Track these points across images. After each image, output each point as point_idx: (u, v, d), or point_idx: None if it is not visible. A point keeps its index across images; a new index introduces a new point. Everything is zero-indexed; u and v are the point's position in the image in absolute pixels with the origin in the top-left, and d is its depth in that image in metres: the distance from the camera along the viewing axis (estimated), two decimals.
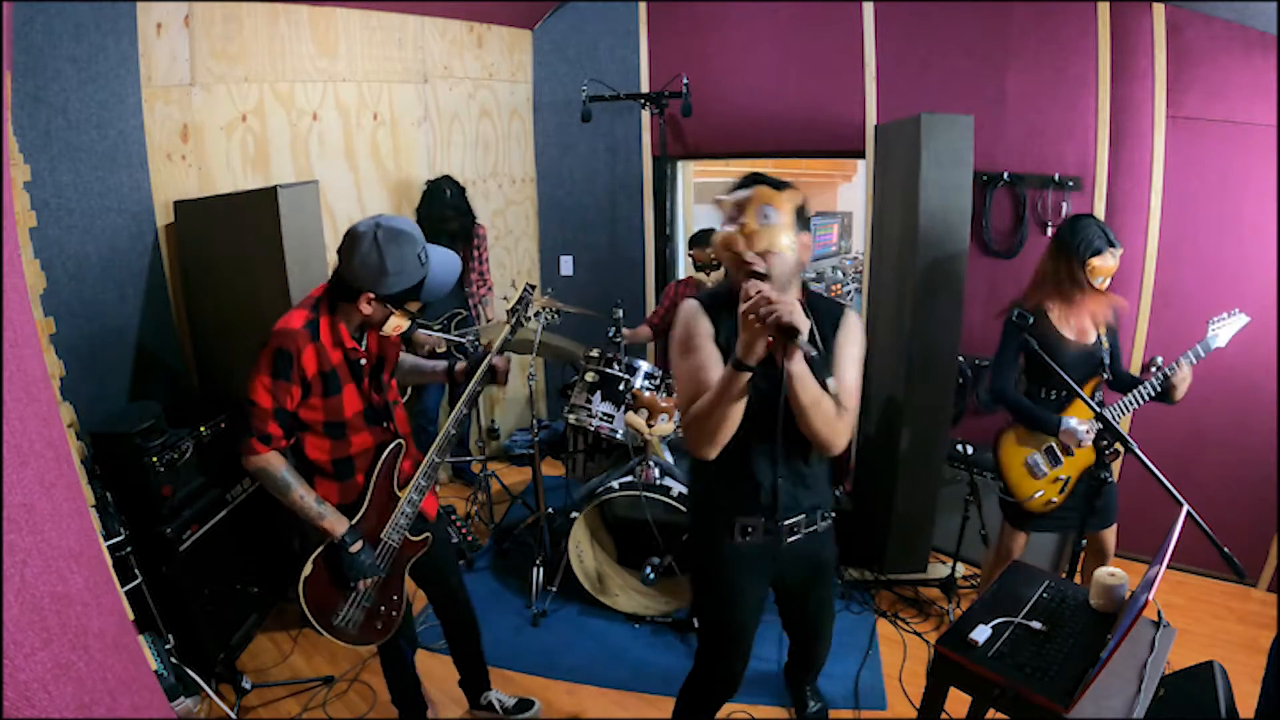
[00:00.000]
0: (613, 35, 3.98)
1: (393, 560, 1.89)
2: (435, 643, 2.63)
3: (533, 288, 2.18)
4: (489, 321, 3.62)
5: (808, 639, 2.08)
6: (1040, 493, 2.35)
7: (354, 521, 1.82)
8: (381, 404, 1.88)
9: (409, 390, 3.49)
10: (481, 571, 3.21)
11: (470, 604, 2.23)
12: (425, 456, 1.90)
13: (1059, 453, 2.33)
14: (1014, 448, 2.39)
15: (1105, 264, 2.20)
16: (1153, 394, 2.21)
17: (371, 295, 1.69)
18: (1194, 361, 2.17)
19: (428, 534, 1.98)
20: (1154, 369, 2.23)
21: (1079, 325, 2.28)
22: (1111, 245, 2.20)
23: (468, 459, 3.67)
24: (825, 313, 1.71)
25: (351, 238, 1.68)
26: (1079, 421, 2.24)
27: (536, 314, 2.19)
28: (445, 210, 3.46)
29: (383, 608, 1.92)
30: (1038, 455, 2.35)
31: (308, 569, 1.81)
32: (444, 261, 1.79)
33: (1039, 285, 2.32)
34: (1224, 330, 2.20)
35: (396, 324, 1.78)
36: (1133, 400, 2.23)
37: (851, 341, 1.70)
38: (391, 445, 1.87)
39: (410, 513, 1.88)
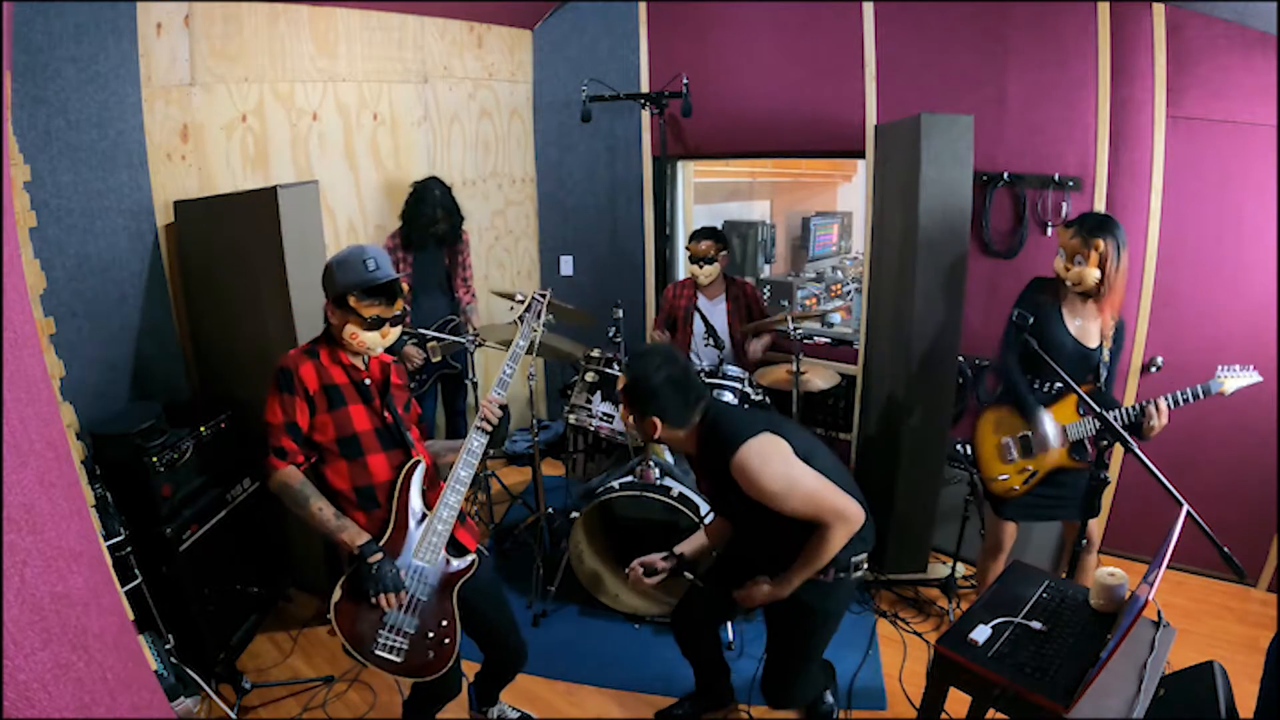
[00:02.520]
0: (613, 35, 3.98)
1: (432, 585, 1.83)
2: None
3: (543, 296, 2.14)
4: (474, 330, 3.44)
5: None
6: (1005, 476, 2.39)
7: (382, 542, 1.78)
8: (396, 428, 1.89)
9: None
10: None
11: (522, 649, 2.16)
12: (451, 471, 1.88)
13: (1032, 444, 2.34)
14: (991, 427, 2.43)
15: (1065, 238, 2.23)
16: (1124, 423, 2.19)
17: (329, 302, 1.81)
18: (1181, 404, 2.14)
19: (474, 558, 1.92)
20: (1124, 411, 2.20)
21: (1083, 326, 2.29)
22: (1084, 228, 2.18)
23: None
24: (718, 449, 1.73)
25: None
26: (1055, 429, 2.28)
27: (547, 322, 2.17)
28: (435, 211, 3.37)
29: (430, 635, 1.82)
30: (1011, 440, 2.38)
31: (337, 594, 1.77)
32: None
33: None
34: (1231, 381, 2.15)
35: (352, 330, 1.80)
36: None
37: (753, 487, 1.66)
38: (411, 464, 1.87)
39: (442, 531, 1.83)
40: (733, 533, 2.05)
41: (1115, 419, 2.18)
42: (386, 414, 1.88)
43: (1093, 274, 2.19)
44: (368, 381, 1.86)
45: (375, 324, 1.81)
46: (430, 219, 3.37)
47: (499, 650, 2.14)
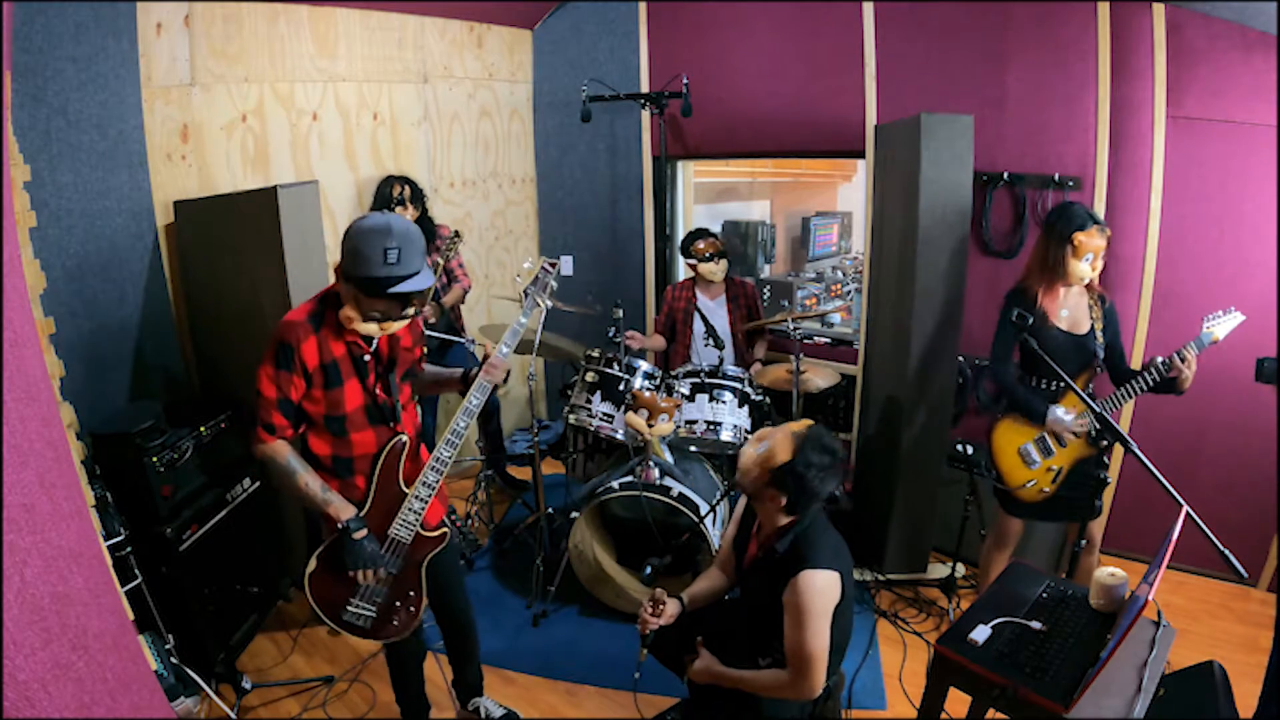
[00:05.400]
0: (613, 35, 3.98)
1: (404, 557, 1.89)
2: (434, 643, 2.63)
3: (552, 265, 1.99)
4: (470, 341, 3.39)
5: None
6: (1032, 482, 2.38)
7: (360, 513, 1.82)
8: (389, 404, 1.86)
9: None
10: (481, 571, 3.21)
11: (472, 619, 2.22)
12: (434, 451, 1.87)
13: (1051, 444, 2.35)
14: (1007, 437, 2.42)
15: (1092, 240, 2.22)
16: (1151, 384, 2.22)
17: (341, 269, 1.70)
18: (1197, 352, 2.17)
19: (445, 531, 1.97)
20: (1151, 370, 2.23)
21: (1072, 315, 2.31)
22: (1097, 224, 2.22)
23: (487, 456, 3.61)
24: (797, 555, 1.71)
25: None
26: (1065, 411, 2.29)
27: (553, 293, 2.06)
28: (389, 211, 3.25)
29: (398, 603, 1.91)
30: (1030, 445, 2.38)
31: (311, 565, 1.82)
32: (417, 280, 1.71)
33: (1030, 270, 2.36)
34: (1220, 327, 2.20)
35: (349, 315, 1.71)
36: (1128, 391, 2.24)
37: (791, 604, 1.67)
38: (393, 441, 1.86)
39: (419, 508, 1.87)
40: (729, 599, 2.05)
41: (1138, 384, 2.22)
42: (382, 395, 1.84)
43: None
44: (367, 358, 1.81)
45: (378, 319, 1.74)
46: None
47: (447, 617, 2.18)
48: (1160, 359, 2.19)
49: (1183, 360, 2.16)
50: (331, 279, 1.78)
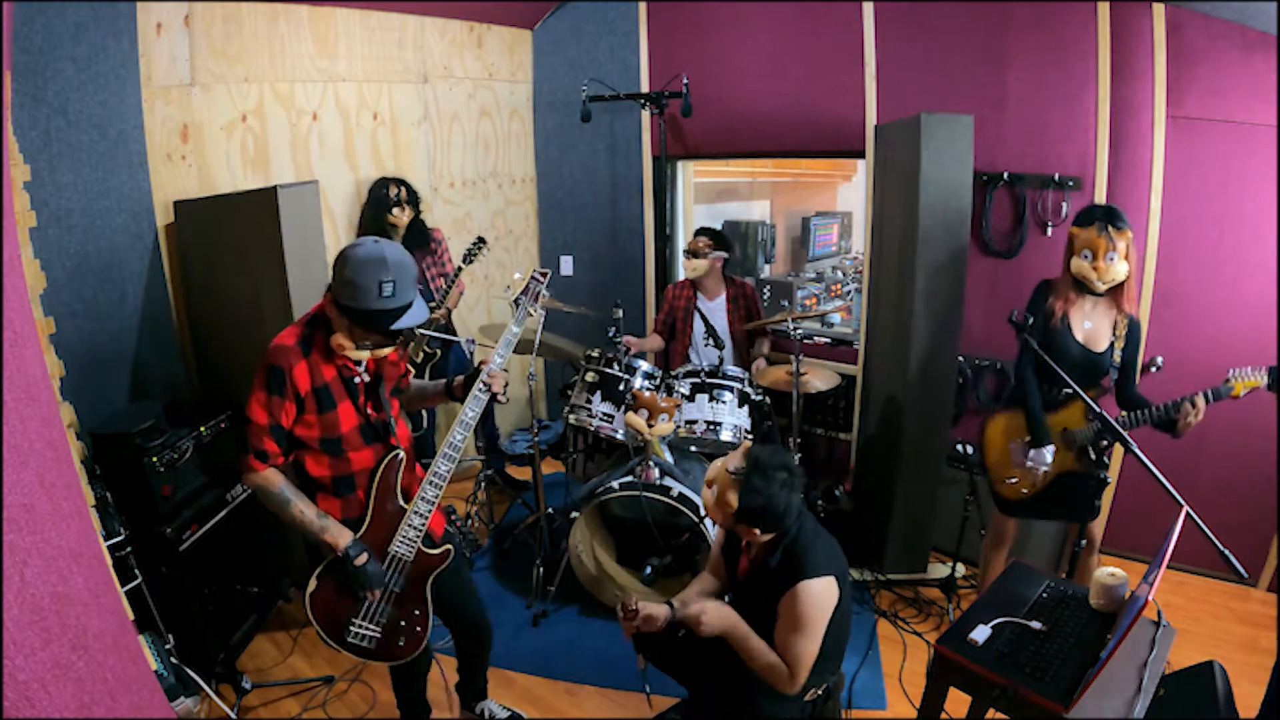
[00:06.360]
0: (613, 35, 3.98)
1: (407, 574, 1.85)
2: (436, 642, 2.63)
3: (544, 275, 2.01)
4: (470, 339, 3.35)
5: None
6: (1014, 479, 2.38)
7: (358, 534, 1.80)
8: (381, 421, 1.85)
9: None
10: (481, 571, 3.21)
11: (488, 629, 2.20)
12: (430, 465, 1.85)
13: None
14: (1000, 430, 2.43)
15: (1089, 236, 2.17)
16: (1154, 420, 2.17)
17: (332, 297, 1.69)
18: (1210, 401, 2.10)
19: (449, 547, 1.94)
20: (1158, 406, 2.18)
21: (1094, 328, 2.28)
22: (1099, 222, 2.16)
23: (487, 458, 3.61)
24: (791, 566, 1.72)
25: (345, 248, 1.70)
26: (1051, 454, 2.28)
27: (545, 305, 2.06)
28: (386, 213, 3.23)
29: (403, 623, 1.88)
30: (1020, 444, 2.38)
31: (312, 585, 1.79)
32: (413, 313, 1.73)
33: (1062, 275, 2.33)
34: (1240, 384, 2.09)
35: (340, 342, 1.71)
36: (1129, 421, 2.19)
37: (788, 611, 1.69)
38: (390, 457, 1.84)
39: (419, 524, 1.84)
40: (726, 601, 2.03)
41: (1151, 415, 2.17)
42: (374, 413, 1.84)
43: (1124, 268, 2.17)
44: (357, 380, 1.81)
45: (370, 347, 1.75)
46: (387, 223, 3.23)
47: (464, 629, 2.16)
48: (1171, 402, 2.12)
49: (1193, 406, 2.08)
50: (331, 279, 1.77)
